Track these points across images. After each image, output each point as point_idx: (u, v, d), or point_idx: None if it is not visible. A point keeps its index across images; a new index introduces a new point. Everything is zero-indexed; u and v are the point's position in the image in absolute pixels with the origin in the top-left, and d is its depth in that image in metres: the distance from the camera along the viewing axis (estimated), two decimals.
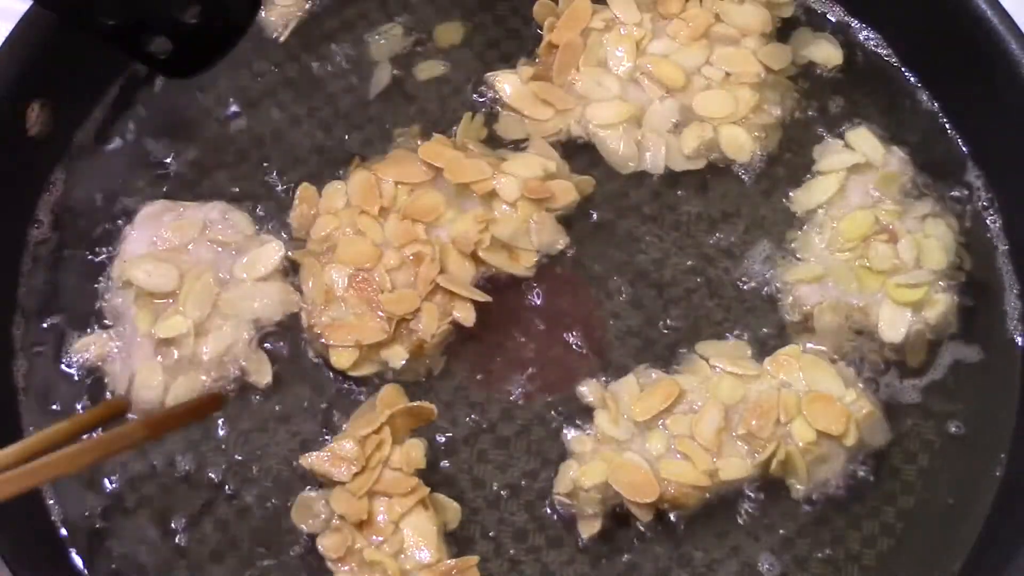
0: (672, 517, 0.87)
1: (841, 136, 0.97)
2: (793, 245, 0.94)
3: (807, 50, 1.00)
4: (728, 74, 0.96)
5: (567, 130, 0.97)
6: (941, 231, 0.93)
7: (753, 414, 0.86)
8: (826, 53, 1.00)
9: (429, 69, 1.01)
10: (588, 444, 0.88)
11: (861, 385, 0.89)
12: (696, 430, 0.86)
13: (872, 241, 0.92)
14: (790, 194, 0.96)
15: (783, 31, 1.01)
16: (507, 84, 0.98)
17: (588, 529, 0.87)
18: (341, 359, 0.89)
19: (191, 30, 0.92)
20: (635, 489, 0.85)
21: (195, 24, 0.92)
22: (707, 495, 0.86)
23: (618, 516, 0.87)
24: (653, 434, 0.87)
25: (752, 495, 0.88)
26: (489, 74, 0.99)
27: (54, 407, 0.91)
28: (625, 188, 0.96)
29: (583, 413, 0.90)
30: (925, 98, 1.00)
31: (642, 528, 0.87)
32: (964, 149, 0.98)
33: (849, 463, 0.88)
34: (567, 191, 0.94)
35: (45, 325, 0.93)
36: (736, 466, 0.86)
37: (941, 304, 0.91)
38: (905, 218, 0.93)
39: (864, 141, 0.95)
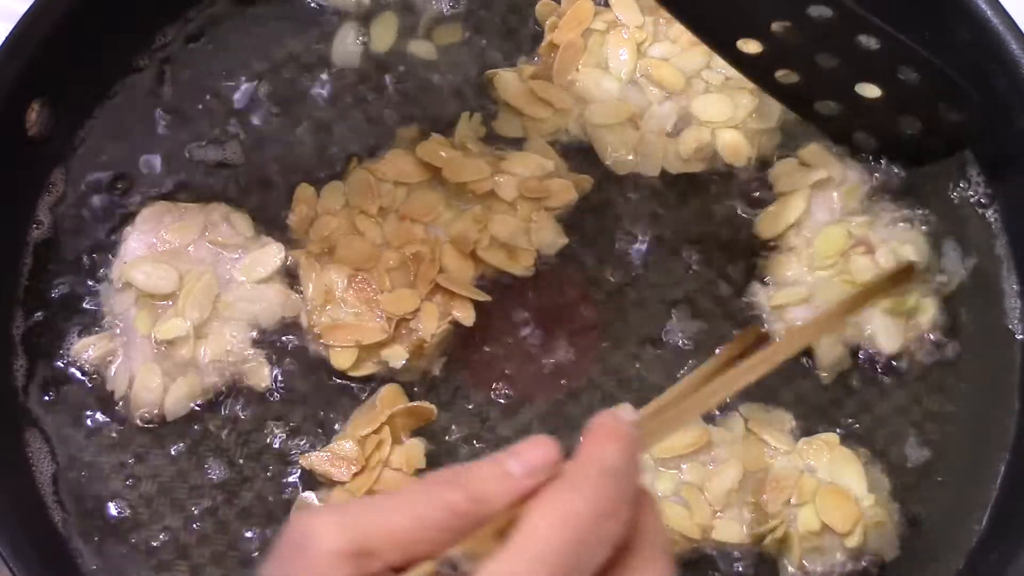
0: None
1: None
2: (768, 270, 0.93)
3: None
4: (728, 78, 0.96)
5: (565, 129, 0.97)
6: (912, 235, 0.92)
7: (768, 487, 0.85)
8: None
9: (424, 51, 1.01)
10: None
11: (887, 495, 0.88)
12: (708, 483, 0.85)
13: (850, 255, 0.91)
14: (754, 220, 0.95)
15: None
16: (506, 82, 0.98)
17: None
18: (341, 359, 0.89)
19: (905, 138, 0.94)
20: None
21: (909, 135, 0.93)
22: (693, 549, 0.86)
23: None
24: (666, 473, 0.86)
25: (740, 567, 0.87)
26: (489, 71, 0.99)
27: (54, 408, 0.91)
28: (623, 189, 0.96)
29: None
30: None
31: None
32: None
33: (848, 564, 0.86)
34: (566, 190, 0.94)
35: (45, 326, 0.93)
36: (732, 530, 0.85)
37: (930, 307, 0.91)
38: (875, 227, 0.92)
39: (819, 157, 0.94)
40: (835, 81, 0.91)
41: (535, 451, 0.60)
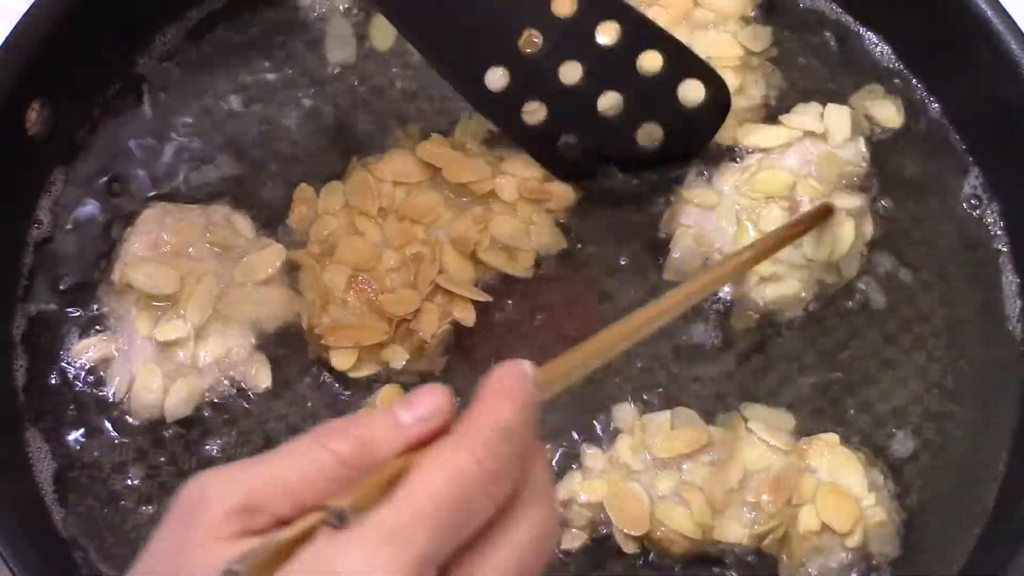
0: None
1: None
2: (715, 172, 0.94)
3: (871, 104, 0.99)
4: (709, 58, 0.95)
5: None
6: (845, 234, 0.91)
7: (768, 487, 0.85)
8: (887, 114, 0.99)
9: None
10: (600, 462, 0.88)
11: (887, 493, 0.88)
12: (708, 483, 0.85)
13: (773, 202, 0.91)
14: (739, 129, 0.95)
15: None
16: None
17: (571, 542, 0.87)
18: (341, 360, 0.89)
19: (646, 155, 0.95)
20: (625, 519, 0.85)
21: (650, 151, 0.95)
22: (694, 549, 0.86)
23: (604, 540, 0.87)
24: (666, 474, 0.86)
25: (740, 567, 0.87)
26: None
27: (54, 408, 0.91)
28: (615, 176, 0.96)
29: (605, 429, 0.90)
30: (925, 98, 0.99)
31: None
32: (964, 149, 0.98)
33: (848, 564, 0.86)
34: (566, 192, 0.94)
35: (45, 326, 0.93)
36: (732, 530, 0.85)
37: (786, 288, 0.91)
38: (816, 202, 0.91)
39: (837, 118, 0.94)
40: (578, 102, 0.92)
41: (426, 399, 0.58)
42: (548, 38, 0.89)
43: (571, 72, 0.91)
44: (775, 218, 0.91)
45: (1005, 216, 0.96)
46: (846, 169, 0.93)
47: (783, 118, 0.95)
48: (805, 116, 0.95)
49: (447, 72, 0.91)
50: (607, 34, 0.90)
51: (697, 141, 0.95)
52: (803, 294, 0.91)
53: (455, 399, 0.59)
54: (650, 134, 0.94)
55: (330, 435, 0.57)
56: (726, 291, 0.92)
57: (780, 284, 0.91)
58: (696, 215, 0.93)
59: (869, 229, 0.94)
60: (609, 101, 0.92)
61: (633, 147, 0.95)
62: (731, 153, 0.95)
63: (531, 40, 0.89)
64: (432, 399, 0.58)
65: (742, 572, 0.86)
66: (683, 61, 0.91)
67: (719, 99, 0.93)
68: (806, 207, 0.91)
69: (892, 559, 0.87)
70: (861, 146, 0.94)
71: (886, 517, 0.86)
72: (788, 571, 0.86)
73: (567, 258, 0.94)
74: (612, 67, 0.91)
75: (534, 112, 0.93)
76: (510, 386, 0.59)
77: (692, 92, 0.93)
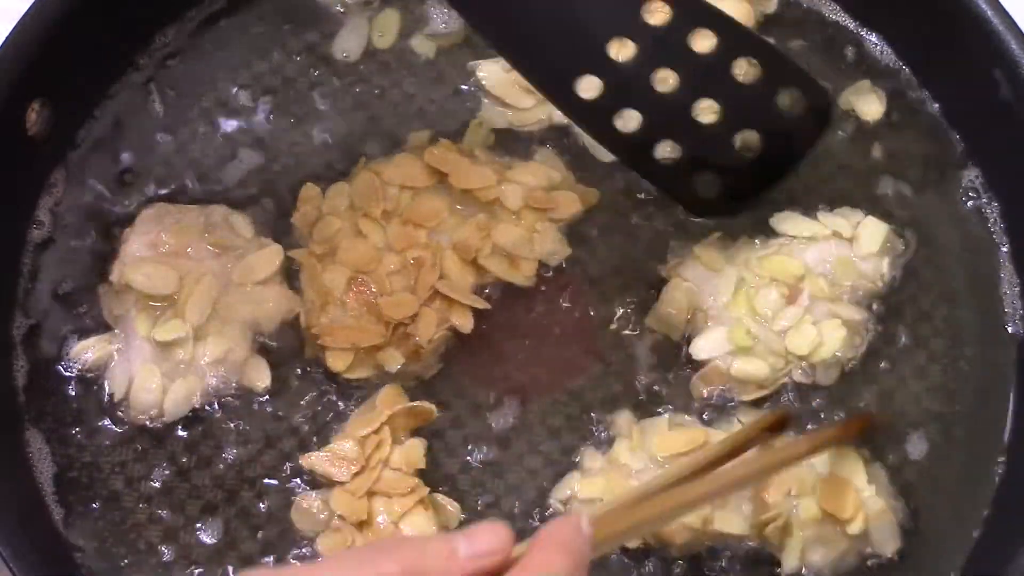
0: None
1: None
2: (737, 244, 0.93)
3: (856, 98, 0.99)
4: None
5: (549, 119, 0.96)
6: (832, 340, 0.89)
7: (769, 482, 0.85)
8: (869, 107, 0.99)
9: (426, 49, 1.01)
10: (599, 462, 0.88)
11: (887, 489, 0.88)
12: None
13: (775, 286, 0.90)
14: (776, 214, 0.94)
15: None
16: (490, 73, 0.97)
17: None
18: (336, 361, 0.89)
19: (745, 168, 0.92)
20: None
21: (750, 160, 0.92)
22: (696, 540, 0.86)
23: None
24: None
25: (741, 559, 0.87)
26: (472, 63, 0.98)
27: (54, 408, 0.91)
28: (612, 178, 0.96)
29: (604, 432, 0.91)
30: (925, 98, 0.99)
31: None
32: (964, 149, 0.98)
33: (849, 556, 0.86)
34: (571, 202, 0.94)
35: (45, 326, 0.93)
36: (732, 521, 0.85)
37: (752, 367, 0.89)
38: (821, 302, 0.90)
39: (870, 231, 0.93)
40: (674, 110, 0.89)
41: (487, 537, 0.59)
42: (640, 46, 0.86)
43: (665, 80, 0.88)
44: (771, 302, 0.89)
45: (1005, 215, 0.96)
46: (860, 281, 0.92)
47: (820, 215, 0.94)
48: (841, 219, 0.93)
49: (536, 80, 0.89)
50: (701, 42, 0.86)
51: (797, 149, 0.93)
52: (763, 381, 0.90)
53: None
54: (748, 142, 0.92)
55: (377, 555, 0.58)
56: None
57: (748, 360, 0.89)
58: (698, 273, 0.92)
59: (858, 348, 0.92)
60: (705, 109, 0.90)
61: (731, 156, 0.92)
62: (760, 233, 0.94)
63: (622, 48, 0.86)
64: (497, 537, 0.59)
65: (744, 564, 0.86)
66: (781, 69, 0.89)
67: (819, 107, 0.91)
68: (804, 301, 0.90)
69: (892, 558, 0.87)
70: (884, 266, 0.93)
71: (886, 508, 0.86)
72: (790, 563, 0.86)
73: (570, 268, 0.94)
74: (707, 75, 0.87)
75: (628, 118, 0.89)
76: (565, 540, 0.60)
77: (791, 100, 0.91)
